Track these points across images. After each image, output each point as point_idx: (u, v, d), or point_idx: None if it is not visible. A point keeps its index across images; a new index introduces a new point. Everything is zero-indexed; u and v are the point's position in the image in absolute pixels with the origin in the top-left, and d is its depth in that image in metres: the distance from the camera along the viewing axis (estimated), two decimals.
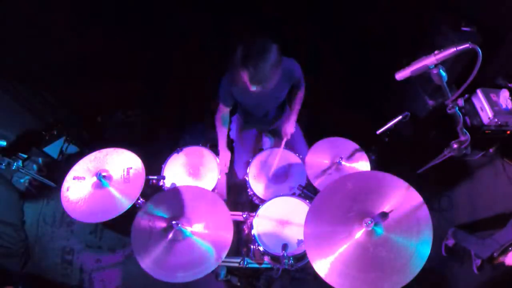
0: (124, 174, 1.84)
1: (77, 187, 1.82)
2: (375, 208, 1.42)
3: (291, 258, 1.74)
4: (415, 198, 1.41)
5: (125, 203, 1.74)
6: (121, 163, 1.89)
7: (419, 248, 1.30)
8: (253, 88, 1.74)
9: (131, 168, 1.86)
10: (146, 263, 1.57)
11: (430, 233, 1.32)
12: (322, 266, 1.36)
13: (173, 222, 1.59)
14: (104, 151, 1.94)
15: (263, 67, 1.64)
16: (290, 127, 2.21)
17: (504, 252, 2.19)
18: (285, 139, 2.21)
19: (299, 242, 1.82)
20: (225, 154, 2.24)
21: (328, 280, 1.33)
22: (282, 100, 2.24)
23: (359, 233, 1.37)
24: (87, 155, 1.94)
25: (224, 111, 2.20)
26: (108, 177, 1.82)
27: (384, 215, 1.39)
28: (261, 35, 1.70)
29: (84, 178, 1.83)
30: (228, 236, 1.63)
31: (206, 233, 1.65)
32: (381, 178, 1.50)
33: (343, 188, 1.53)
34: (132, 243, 1.62)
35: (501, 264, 2.24)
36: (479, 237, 2.45)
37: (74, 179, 1.82)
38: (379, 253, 1.33)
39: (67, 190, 1.81)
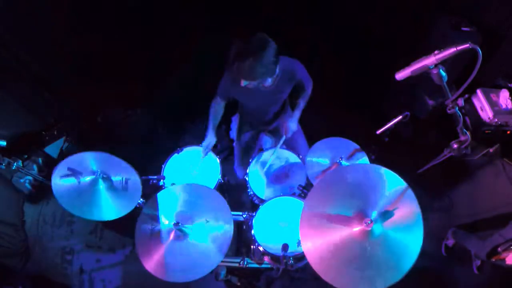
0: (122, 183, 1.81)
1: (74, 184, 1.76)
2: (369, 205, 1.42)
3: (291, 258, 1.74)
4: (407, 194, 1.42)
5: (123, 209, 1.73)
6: (120, 171, 1.82)
7: (411, 244, 1.33)
8: (244, 83, 1.73)
9: (129, 179, 1.81)
10: (148, 263, 1.57)
11: (421, 230, 1.35)
12: (318, 264, 1.35)
13: (173, 222, 1.59)
14: (99, 155, 1.86)
15: (256, 63, 1.62)
16: (292, 124, 2.15)
17: (510, 248, 2.11)
18: (283, 138, 2.16)
19: (299, 242, 1.81)
20: (211, 138, 2.18)
21: (327, 279, 1.32)
22: (283, 100, 2.24)
23: (356, 230, 1.38)
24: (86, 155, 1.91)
25: (219, 102, 2.16)
26: (107, 180, 1.79)
27: (385, 214, 1.39)
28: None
29: (81, 173, 1.78)
30: (228, 235, 1.62)
31: (206, 232, 1.65)
32: (375, 176, 1.49)
33: (340, 185, 1.52)
34: (136, 243, 1.62)
35: (501, 262, 2.20)
36: (479, 237, 2.45)
37: (68, 169, 1.74)
38: (375, 251, 1.34)
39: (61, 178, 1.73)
